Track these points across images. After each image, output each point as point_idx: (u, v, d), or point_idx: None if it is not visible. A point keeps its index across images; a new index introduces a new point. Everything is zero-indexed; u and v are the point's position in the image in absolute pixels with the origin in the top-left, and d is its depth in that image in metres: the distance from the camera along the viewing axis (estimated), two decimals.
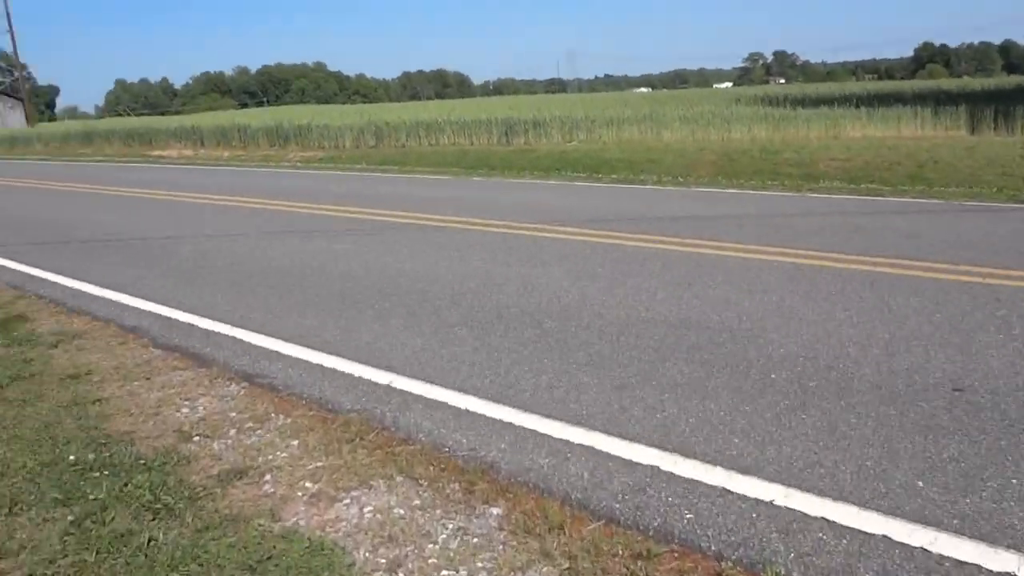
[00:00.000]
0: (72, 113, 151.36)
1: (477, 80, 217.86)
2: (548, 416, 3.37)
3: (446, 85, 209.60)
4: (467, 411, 3.50)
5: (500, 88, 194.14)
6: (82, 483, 2.87)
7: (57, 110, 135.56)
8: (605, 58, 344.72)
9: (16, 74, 60.83)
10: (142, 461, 3.06)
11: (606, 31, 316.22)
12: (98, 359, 4.52)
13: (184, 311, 5.44)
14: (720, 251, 6.53)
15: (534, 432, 3.23)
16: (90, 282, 6.50)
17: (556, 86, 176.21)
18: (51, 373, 4.28)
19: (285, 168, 18.28)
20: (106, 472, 2.96)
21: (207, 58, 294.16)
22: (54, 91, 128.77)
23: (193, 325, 5.14)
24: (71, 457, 3.12)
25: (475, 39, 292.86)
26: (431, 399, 3.67)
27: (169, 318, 5.37)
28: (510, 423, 3.34)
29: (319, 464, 3.02)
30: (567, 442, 3.11)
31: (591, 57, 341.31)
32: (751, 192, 10.42)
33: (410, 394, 3.74)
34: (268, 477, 2.93)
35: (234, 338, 4.83)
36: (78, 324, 5.36)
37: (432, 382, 3.87)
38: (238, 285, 6.28)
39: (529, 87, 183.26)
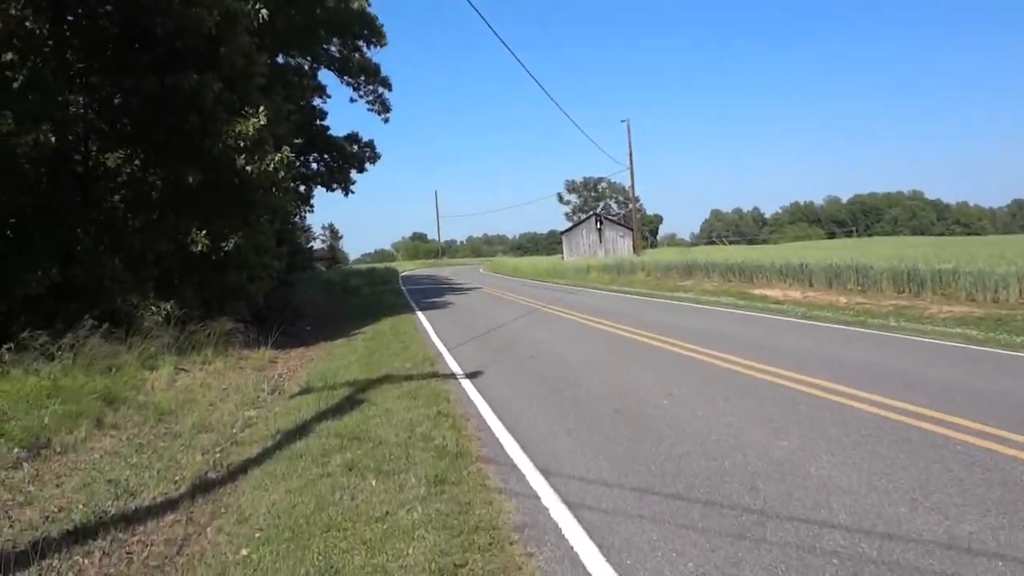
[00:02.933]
0: (671, 240, 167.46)
1: None
2: None
3: None
4: None
5: None
6: None
7: (659, 236, 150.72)
8: None
9: (630, 206, 67.32)
10: None
11: None
12: None
13: None
14: None
15: None
16: None
17: None
18: None
19: (941, 332, 13.19)
20: None
21: (799, 188, 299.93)
22: (658, 220, 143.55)
23: None
24: None
25: None
26: None
27: None
28: None
29: None
30: None
31: None
32: None
33: None
34: None
35: None
36: None
37: None
38: None
39: None
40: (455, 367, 11.86)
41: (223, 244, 14.62)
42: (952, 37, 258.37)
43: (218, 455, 7.70)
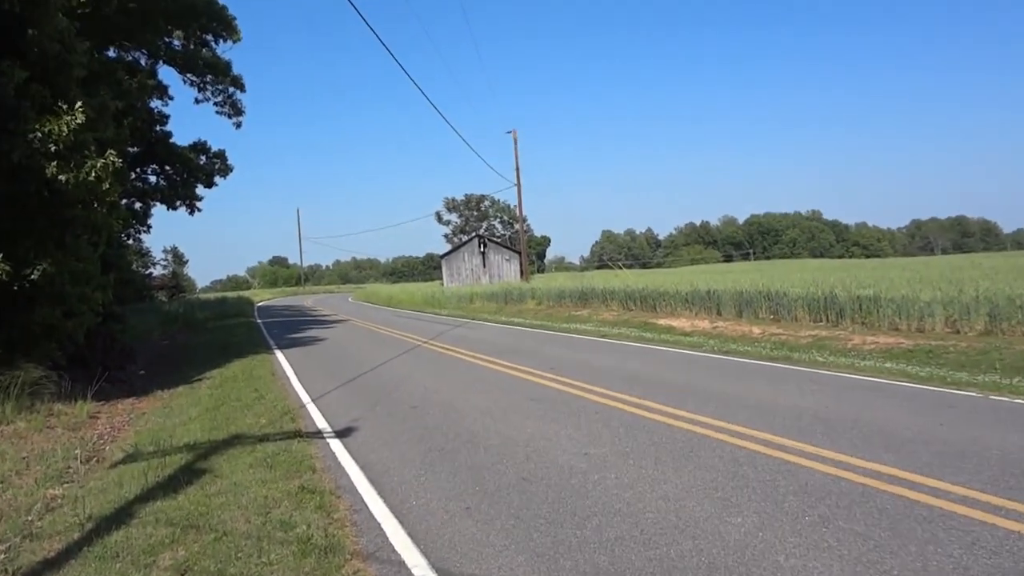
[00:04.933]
0: (559, 264, 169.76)
1: (1007, 228, 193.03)
2: None
3: (966, 235, 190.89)
4: None
5: None
6: None
7: (547, 260, 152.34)
8: None
9: (516, 226, 67.32)
10: None
11: None
12: None
13: None
14: None
15: None
16: None
17: None
18: None
19: (875, 368, 13.20)
20: None
21: (693, 208, 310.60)
22: (546, 242, 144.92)
23: None
24: None
25: (1006, 180, 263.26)
26: None
27: None
28: None
29: None
30: None
31: None
32: None
33: None
34: None
35: None
36: None
37: None
38: None
39: None
40: (322, 423, 10.77)
41: (29, 271, 13.00)
42: (846, 58, 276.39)
43: (3, 556, 6.38)
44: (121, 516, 6.86)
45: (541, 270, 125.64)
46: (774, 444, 7.97)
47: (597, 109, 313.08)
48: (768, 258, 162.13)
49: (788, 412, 9.68)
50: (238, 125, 32.29)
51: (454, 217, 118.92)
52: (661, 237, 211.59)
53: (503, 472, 7.55)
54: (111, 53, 24.97)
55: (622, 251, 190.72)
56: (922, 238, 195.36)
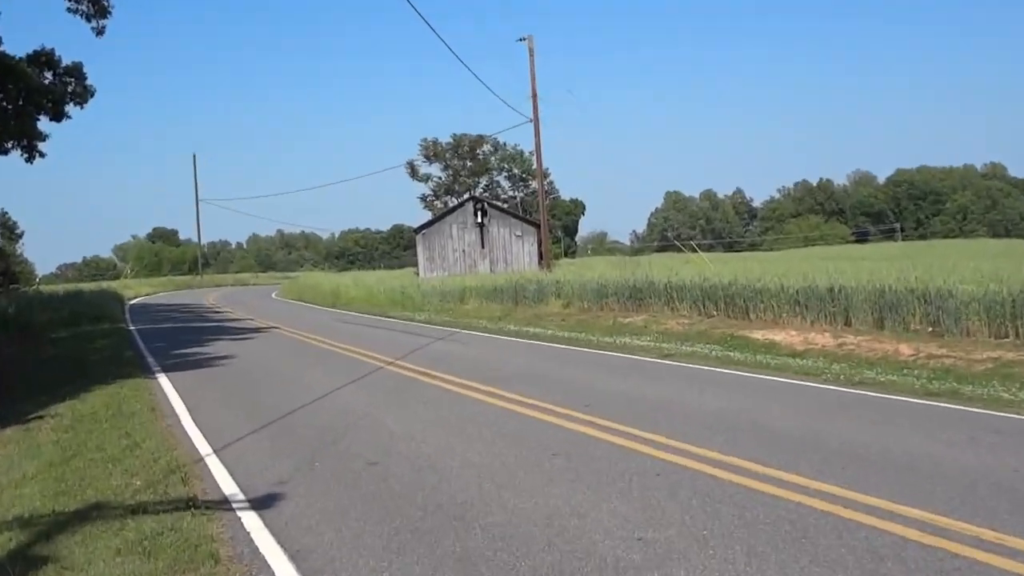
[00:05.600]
0: (600, 243, 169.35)
1: None
2: None
3: None
4: None
5: None
6: None
7: (579, 236, 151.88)
8: None
9: (533, 184, 67.04)
10: None
11: None
12: None
13: None
14: None
15: None
16: None
17: None
18: None
19: None
20: None
21: (807, 160, 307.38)
22: (579, 209, 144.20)
23: None
24: None
25: None
26: None
27: None
28: None
29: None
30: None
31: None
32: None
33: None
34: None
35: None
36: None
37: None
38: None
39: None
40: (229, 486, 10.92)
41: None
42: None
43: None
44: None
45: (572, 252, 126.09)
46: (934, 528, 8.01)
47: (661, 21, 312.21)
48: (923, 236, 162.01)
49: (955, 479, 9.72)
50: (100, 32, 32.42)
51: (436, 170, 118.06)
52: (757, 203, 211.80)
53: (512, 566, 7.62)
54: None
55: (696, 224, 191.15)
56: None
